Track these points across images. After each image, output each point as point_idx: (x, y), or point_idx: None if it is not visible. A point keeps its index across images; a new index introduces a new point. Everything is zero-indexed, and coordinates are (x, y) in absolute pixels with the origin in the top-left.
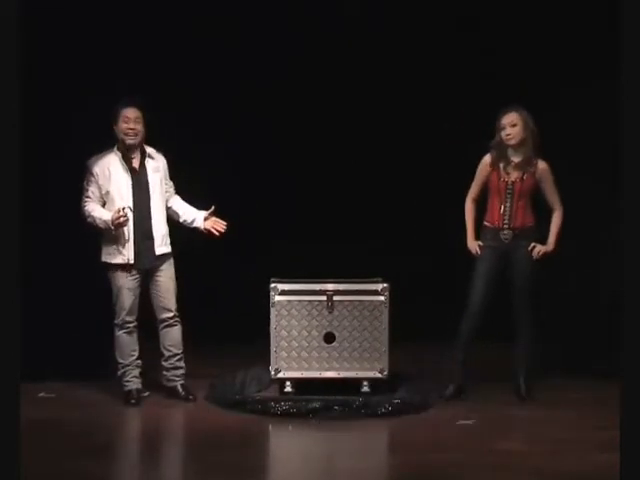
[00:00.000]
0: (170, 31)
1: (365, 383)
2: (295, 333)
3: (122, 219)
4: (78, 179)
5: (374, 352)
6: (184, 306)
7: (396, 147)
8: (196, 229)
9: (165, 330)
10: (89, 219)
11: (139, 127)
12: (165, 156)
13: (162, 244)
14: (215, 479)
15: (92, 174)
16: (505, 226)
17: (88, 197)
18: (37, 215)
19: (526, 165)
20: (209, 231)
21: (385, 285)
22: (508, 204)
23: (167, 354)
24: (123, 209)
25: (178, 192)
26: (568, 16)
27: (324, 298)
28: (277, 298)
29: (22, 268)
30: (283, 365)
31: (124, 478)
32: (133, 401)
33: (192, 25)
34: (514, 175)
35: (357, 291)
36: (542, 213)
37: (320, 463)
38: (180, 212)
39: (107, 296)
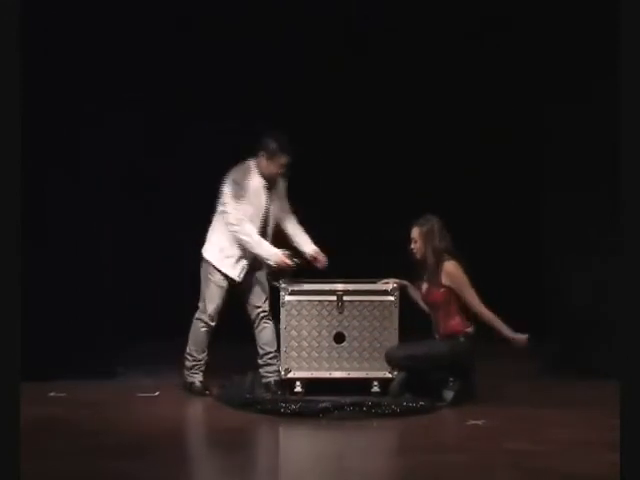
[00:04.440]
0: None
1: (375, 383)
2: (305, 333)
3: (288, 269)
4: (80, 180)
5: (384, 352)
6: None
7: (405, 147)
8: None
9: (258, 329)
10: (247, 238)
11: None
12: None
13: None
14: (225, 479)
15: (246, 190)
16: (436, 336)
17: (244, 215)
18: (41, 215)
19: (431, 277)
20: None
21: (395, 285)
22: (432, 317)
23: (261, 352)
24: (294, 258)
25: (187, 192)
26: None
27: (334, 298)
28: (287, 298)
29: (31, 272)
30: (293, 365)
31: (135, 477)
32: (207, 391)
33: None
34: (424, 288)
35: (367, 291)
36: None
37: (330, 463)
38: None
39: (117, 298)
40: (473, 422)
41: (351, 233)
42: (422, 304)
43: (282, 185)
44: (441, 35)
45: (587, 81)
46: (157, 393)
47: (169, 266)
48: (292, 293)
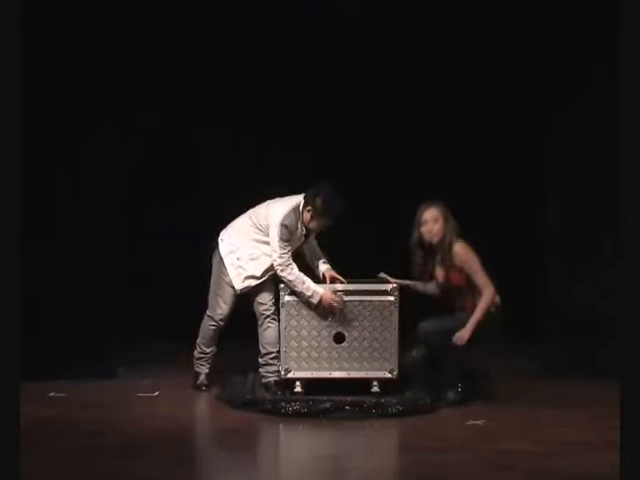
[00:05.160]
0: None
1: (375, 383)
2: (305, 333)
3: (337, 307)
4: (80, 181)
5: (384, 352)
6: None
7: (407, 149)
8: None
9: (262, 327)
10: (292, 278)
11: None
12: None
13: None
14: (225, 479)
15: (290, 232)
16: (457, 309)
17: (289, 256)
18: (41, 215)
19: (445, 260)
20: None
21: (394, 285)
22: (455, 300)
23: (262, 351)
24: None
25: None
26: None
27: None
28: (287, 298)
29: (31, 271)
30: (293, 365)
31: (135, 477)
32: (204, 387)
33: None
34: (440, 274)
35: (367, 291)
36: None
37: (330, 463)
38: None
39: (117, 298)
40: (473, 422)
41: (351, 233)
42: (434, 291)
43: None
44: (444, 36)
45: (589, 85)
46: (156, 393)
47: (169, 266)
48: (292, 293)
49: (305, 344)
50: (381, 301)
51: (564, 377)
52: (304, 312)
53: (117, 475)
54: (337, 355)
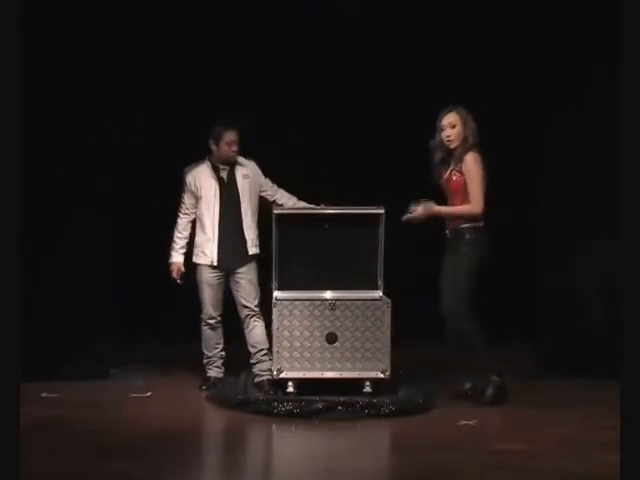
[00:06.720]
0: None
1: (367, 383)
2: (297, 333)
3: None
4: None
5: (376, 352)
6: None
7: (403, 144)
8: None
9: (248, 328)
10: (174, 235)
11: (238, 147)
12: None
13: (252, 245)
14: (219, 479)
15: (185, 183)
16: (446, 226)
17: (182, 206)
18: (39, 216)
19: (457, 162)
20: None
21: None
22: (447, 204)
23: (253, 351)
24: (182, 278)
25: None
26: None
27: (326, 297)
28: (279, 297)
29: (31, 271)
30: (285, 365)
31: (131, 477)
32: (205, 387)
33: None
34: (446, 174)
35: (356, 215)
36: None
37: (323, 463)
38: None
39: (111, 300)
40: (465, 422)
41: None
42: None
43: (252, 167)
44: (444, 36)
45: (589, 85)
46: (149, 394)
47: (165, 268)
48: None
49: (297, 344)
50: (373, 301)
51: (562, 377)
52: (296, 312)
53: (116, 475)
54: (329, 355)
